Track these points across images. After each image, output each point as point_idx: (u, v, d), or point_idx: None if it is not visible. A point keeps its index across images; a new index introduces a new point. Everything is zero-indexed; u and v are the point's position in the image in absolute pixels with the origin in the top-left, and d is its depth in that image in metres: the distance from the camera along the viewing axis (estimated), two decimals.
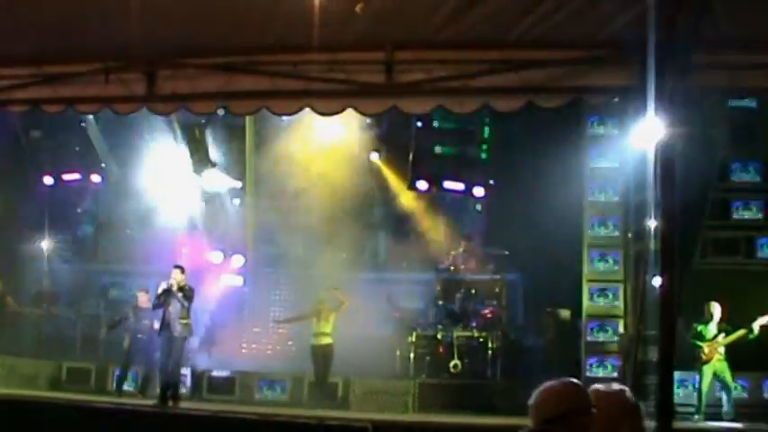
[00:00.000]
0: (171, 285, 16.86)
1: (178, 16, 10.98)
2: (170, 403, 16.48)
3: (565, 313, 20.17)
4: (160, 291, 17.01)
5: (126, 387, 19.74)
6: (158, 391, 17.01)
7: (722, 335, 16.85)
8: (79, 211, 26.84)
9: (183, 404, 16.79)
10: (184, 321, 16.87)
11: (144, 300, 19.50)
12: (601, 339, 18.76)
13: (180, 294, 16.81)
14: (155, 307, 17.25)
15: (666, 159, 9.84)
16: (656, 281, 9.92)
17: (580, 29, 10.43)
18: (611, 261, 19.13)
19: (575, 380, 4.85)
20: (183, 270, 17.19)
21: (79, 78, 12.42)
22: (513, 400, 17.51)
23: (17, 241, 24.18)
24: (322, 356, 18.45)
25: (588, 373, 18.40)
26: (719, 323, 16.95)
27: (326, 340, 18.51)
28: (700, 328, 16.91)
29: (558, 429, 4.60)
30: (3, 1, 10.89)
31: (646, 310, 12.90)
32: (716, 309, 16.95)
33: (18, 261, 23.59)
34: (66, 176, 25.43)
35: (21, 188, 24.96)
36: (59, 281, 24.90)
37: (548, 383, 4.78)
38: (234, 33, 11.33)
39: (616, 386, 5.34)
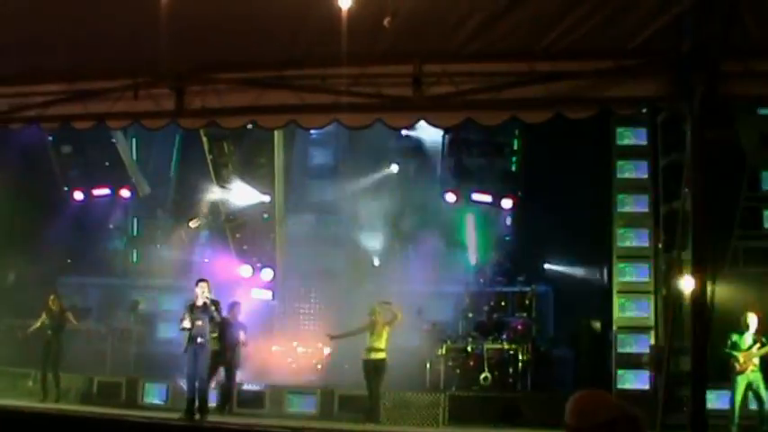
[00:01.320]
0: (197, 300, 16.79)
1: (206, 32, 11.05)
2: (197, 417, 16.43)
3: (595, 325, 20.07)
4: (187, 307, 16.92)
5: (154, 400, 19.85)
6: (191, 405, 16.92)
7: (757, 345, 16.68)
8: (110, 226, 27.00)
9: (213, 418, 16.76)
10: (214, 335, 16.84)
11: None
12: (632, 351, 18.61)
13: (212, 308, 16.74)
14: (183, 327, 16.98)
15: (697, 169, 9.79)
16: (687, 291, 9.86)
17: (608, 39, 10.40)
18: (640, 272, 18.98)
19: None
20: (207, 284, 17.12)
21: (109, 94, 12.50)
22: (543, 413, 17.47)
23: (48, 256, 24.34)
24: (374, 371, 17.99)
25: (619, 385, 18.26)
26: (755, 334, 16.77)
27: (380, 355, 17.96)
28: (735, 337, 16.71)
29: None
30: (33, 19, 10.99)
31: (677, 320, 12.81)
32: (752, 319, 16.75)
33: (49, 276, 23.72)
34: (96, 192, 25.62)
35: (51, 203, 25.16)
36: (90, 295, 25.05)
37: (586, 391, 4.79)
38: (262, 48, 11.38)
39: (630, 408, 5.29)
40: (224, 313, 17.78)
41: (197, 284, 17.00)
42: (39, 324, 19.47)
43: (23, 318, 21.22)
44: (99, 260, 26.13)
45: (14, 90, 13.00)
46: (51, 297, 19.65)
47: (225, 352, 18.67)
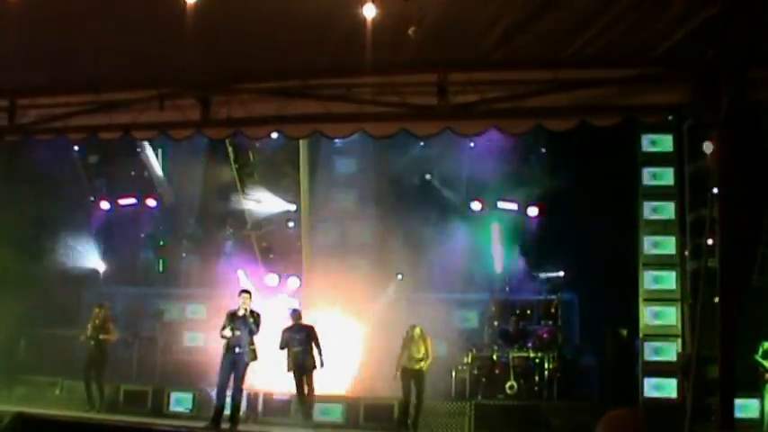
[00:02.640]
0: (239, 310, 16.82)
1: (232, 43, 11.10)
2: (228, 426, 16.41)
3: (622, 333, 19.95)
4: (228, 316, 16.95)
5: (180, 409, 19.92)
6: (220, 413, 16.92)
7: None
8: (139, 234, 27.14)
9: (239, 427, 16.73)
10: (254, 347, 16.82)
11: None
12: (659, 359, 18.49)
13: (251, 320, 16.75)
14: (224, 335, 17.00)
15: (724, 176, 9.75)
16: (715, 298, 9.81)
17: (632, 47, 10.38)
18: (667, 280, 18.85)
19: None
20: (250, 295, 17.14)
21: (135, 105, 12.59)
22: (569, 421, 17.38)
23: (75, 265, 24.50)
24: (414, 380, 17.82)
25: (646, 394, 18.14)
26: None
27: (420, 365, 17.81)
28: (766, 345, 16.56)
29: None
30: (60, 32, 11.07)
31: (704, 328, 12.73)
32: None
33: (76, 285, 23.84)
34: (123, 201, 25.79)
35: (78, 212, 25.30)
36: (116, 304, 25.14)
37: (617, 413, 4.82)
38: (287, 58, 11.43)
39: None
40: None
41: (240, 295, 17.05)
42: (87, 334, 19.49)
43: (51, 328, 21.35)
44: (125, 269, 26.23)
45: (41, 101, 13.13)
46: (97, 308, 19.73)
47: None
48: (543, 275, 22.49)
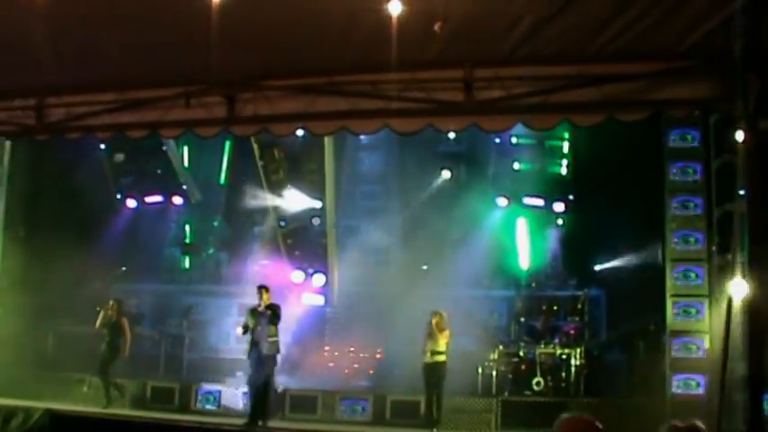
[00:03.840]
0: (258, 305, 16.91)
1: (257, 40, 11.11)
2: (260, 423, 16.47)
3: (649, 329, 19.82)
4: (248, 312, 17.08)
5: (207, 405, 20.00)
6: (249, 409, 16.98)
7: None
8: (165, 232, 27.29)
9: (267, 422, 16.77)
10: (272, 339, 16.88)
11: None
12: (686, 355, 18.37)
13: (269, 313, 16.83)
14: (244, 331, 17.16)
15: (753, 170, 9.68)
16: (743, 294, 9.75)
17: (660, 41, 10.33)
18: (695, 275, 18.69)
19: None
20: (268, 289, 17.21)
21: (161, 103, 12.64)
22: (597, 418, 17.30)
23: (103, 263, 24.61)
24: (434, 374, 17.81)
25: (674, 390, 18.04)
26: None
27: (440, 358, 17.75)
28: None
29: None
30: (87, 30, 11.12)
31: (732, 324, 12.65)
32: None
33: (103, 282, 23.95)
34: (149, 199, 25.91)
35: (105, 211, 25.45)
36: (143, 301, 25.27)
37: (573, 418, 4.98)
38: (313, 55, 11.43)
39: (697, 422, 5.28)
40: None
41: (258, 290, 17.13)
42: (97, 325, 19.55)
43: (79, 325, 21.44)
44: (152, 266, 26.35)
45: (69, 100, 13.20)
46: (110, 303, 19.76)
47: None
48: (569, 271, 22.40)
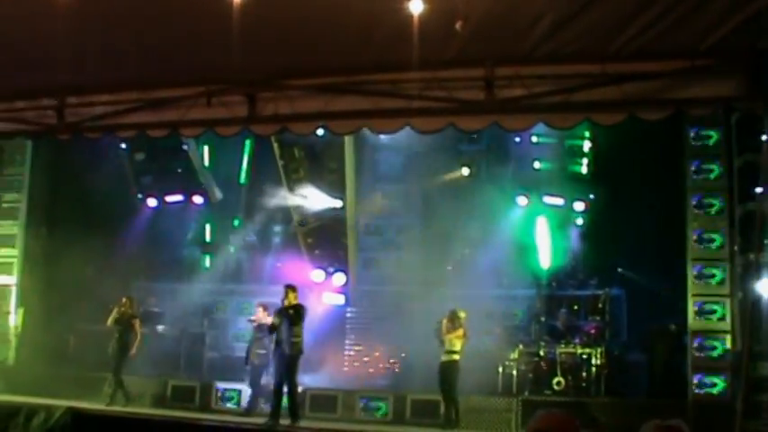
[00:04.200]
0: (284, 305, 16.95)
1: (278, 39, 11.14)
2: (288, 422, 16.46)
3: (670, 329, 19.72)
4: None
5: (228, 404, 20.07)
6: (270, 409, 17.01)
7: None
8: (186, 231, 27.40)
9: (284, 421, 16.77)
10: (296, 340, 16.88)
11: (261, 315, 19.39)
12: (708, 355, 18.26)
13: (292, 312, 16.84)
14: (270, 330, 17.21)
15: None
16: (764, 293, 9.70)
17: (682, 39, 10.29)
18: (716, 274, 18.59)
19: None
20: (294, 289, 17.23)
21: (182, 102, 12.68)
22: (617, 418, 17.26)
23: (123, 262, 24.72)
24: (447, 373, 17.77)
25: (696, 390, 17.94)
26: None
27: (452, 357, 17.73)
28: None
29: None
30: (108, 30, 11.16)
31: (754, 324, 12.60)
32: None
33: (124, 281, 24.04)
34: (169, 198, 25.97)
35: (126, 210, 25.54)
36: (163, 300, 25.33)
37: (552, 413, 5.03)
38: (333, 54, 11.45)
39: (674, 422, 5.25)
40: None
41: (285, 290, 17.16)
42: (109, 322, 19.63)
43: (99, 323, 21.54)
44: (172, 265, 26.43)
45: (90, 99, 13.25)
46: (123, 300, 19.83)
47: None
48: (590, 270, 22.33)
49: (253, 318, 19.71)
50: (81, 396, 18.82)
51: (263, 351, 18.99)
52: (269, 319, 17.92)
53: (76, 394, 18.96)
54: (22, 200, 23.02)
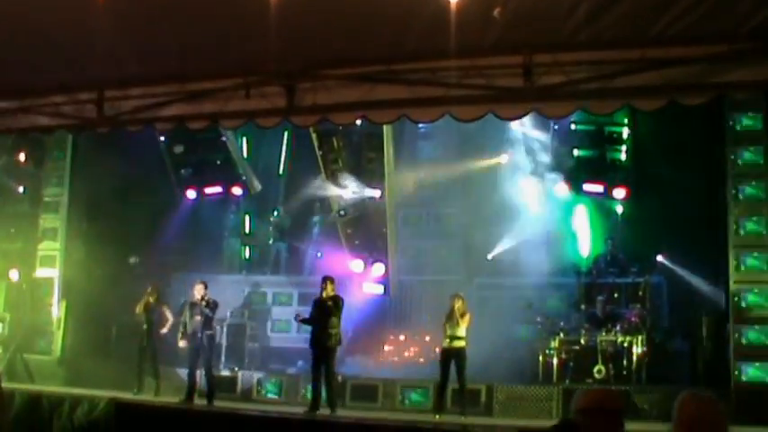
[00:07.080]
0: (322, 296, 17.03)
1: (316, 29, 11.14)
2: (328, 412, 16.52)
3: (712, 316, 19.56)
4: (313, 303, 17.27)
5: (270, 395, 20.23)
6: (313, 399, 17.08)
7: None
8: (226, 222, 27.57)
9: (325, 411, 16.82)
10: (334, 331, 16.94)
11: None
12: (752, 343, 18.08)
13: (331, 304, 16.91)
14: (309, 321, 17.29)
15: None
16: None
17: (722, 23, 10.19)
18: (760, 260, 18.42)
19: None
20: (333, 281, 17.29)
21: (221, 94, 12.72)
22: (659, 406, 17.18)
23: (164, 254, 24.90)
24: (455, 359, 17.73)
25: (739, 378, 17.78)
26: None
27: (460, 343, 17.75)
28: None
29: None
30: (146, 23, 11.22)
31: None
32: None
33: (164, 272, 24.21)
34: (209, 190, 26.10)
35: (166, 202, 25.71)
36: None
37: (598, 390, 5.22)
38: (371, 44, 11.44)
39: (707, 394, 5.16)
40: None
41: (323, 281, 17.22)
42: (137, 310, 19.79)
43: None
44: (212, 257, 26.57)
45: (129, 92, 13.32)
46: (149, 288, 20.00)
47: None
48: (630, 258, 22.20)
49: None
50: (124, 387, 18.99)
51: (197, 332, 18.20)
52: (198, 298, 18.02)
53: (119, 385, 19.15)
54: (63, 194, 23.28)
